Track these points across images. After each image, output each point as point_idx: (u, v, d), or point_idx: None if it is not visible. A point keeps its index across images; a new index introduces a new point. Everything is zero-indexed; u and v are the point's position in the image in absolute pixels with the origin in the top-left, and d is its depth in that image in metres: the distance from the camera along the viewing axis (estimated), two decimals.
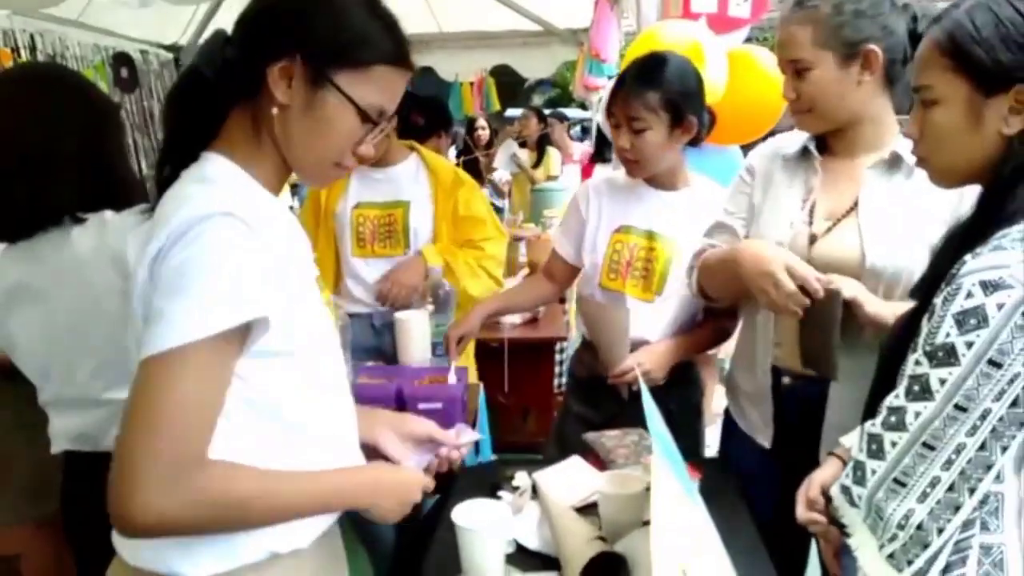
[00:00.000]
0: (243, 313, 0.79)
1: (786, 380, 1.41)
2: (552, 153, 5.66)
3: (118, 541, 0.89)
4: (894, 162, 1.31)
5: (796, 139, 1.45)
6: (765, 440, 1.47)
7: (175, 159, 0.91)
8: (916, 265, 1.20)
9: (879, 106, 1.34)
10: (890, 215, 1.29)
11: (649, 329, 1.68)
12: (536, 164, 5.63)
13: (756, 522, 1.31)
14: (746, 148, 3.20)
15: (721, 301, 1.56)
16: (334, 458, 0.96)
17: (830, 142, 1.40)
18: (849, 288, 1.21)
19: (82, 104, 1.30)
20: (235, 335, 0.81)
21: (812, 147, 1.41)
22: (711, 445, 3.17)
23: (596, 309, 1.70)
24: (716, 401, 3.73)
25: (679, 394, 1.72)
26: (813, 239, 1.35)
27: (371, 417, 1.10)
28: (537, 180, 5.50)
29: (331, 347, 0.98)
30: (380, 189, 2.12)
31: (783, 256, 1.26)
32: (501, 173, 5.56)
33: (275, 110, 0.89)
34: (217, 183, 0.87)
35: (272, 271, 0.84)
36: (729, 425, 1.60)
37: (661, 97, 1.59)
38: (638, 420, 1.47)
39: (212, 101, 0.91)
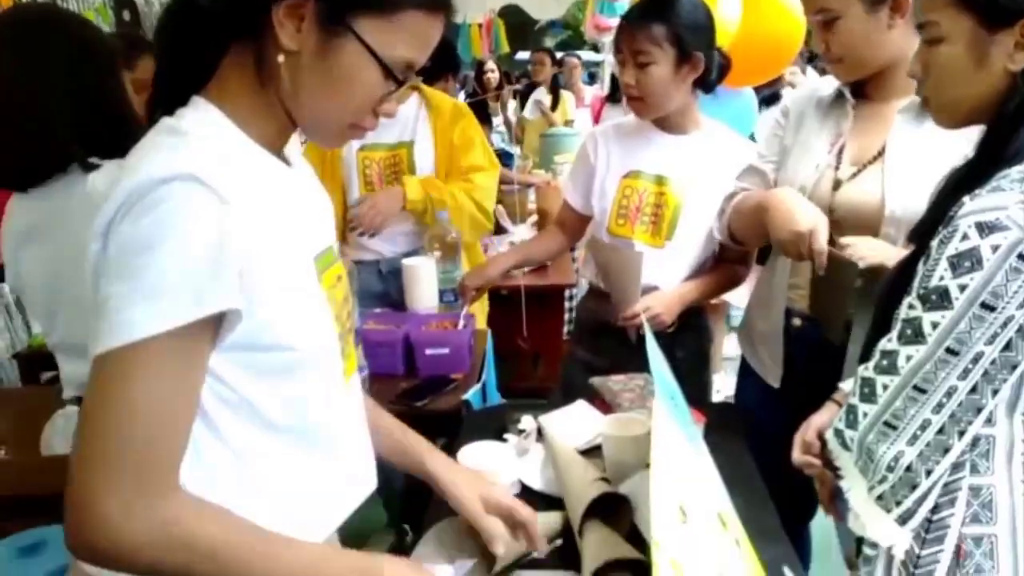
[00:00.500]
0: (209, 303, 0.67)
1: (796, 322, 1.43)
2: (567, 97, 5.56)
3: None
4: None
5: (832, 82, 1.43)
6: (774, 380, 1.49)
7: (164, 101, 0.78)
8: None
9: (914, 47, 1.31)
10: (916, 161, 1.26)
11: (661, 275, 1.67)
12: (552, 108, 5.54)
13: (763, 463, 1.33)
14: (758, 90, 3.16)
15: (750, 245, 1.57)
16: (329, 468, 0.86)
17: (865, 86, 1.37)
18: (871, 258, 1.18)
19: (65, 43, 1.27)
20: (204, 327, 0.68)
21: (846, 91, 1.39)
22: (720, 390, 3.25)
23: (609, 252, 1.70)
24: (726, 348, 3.79)
25: (687, 341, 1.74)
26: (838, 184, 1.34)
27: (452, 471, 1.02)
28: (556, 124, 5.41)
29: (326, 336, 0.83)
30: (383, 130, 2.05)
31: (814, 220, 1.23)
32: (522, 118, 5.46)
33: (280, 57, 0.74)
34: (190, 136, 0.72)
35: (248, 248, 0.70)
36: (743, 365, 1.63)
37: (667, 30, 1.56)
38: (643, 366, 1.49)
39: (205, 36, 0.77)
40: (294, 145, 0.90)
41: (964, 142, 1.11)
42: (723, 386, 3.39)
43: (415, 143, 2.12)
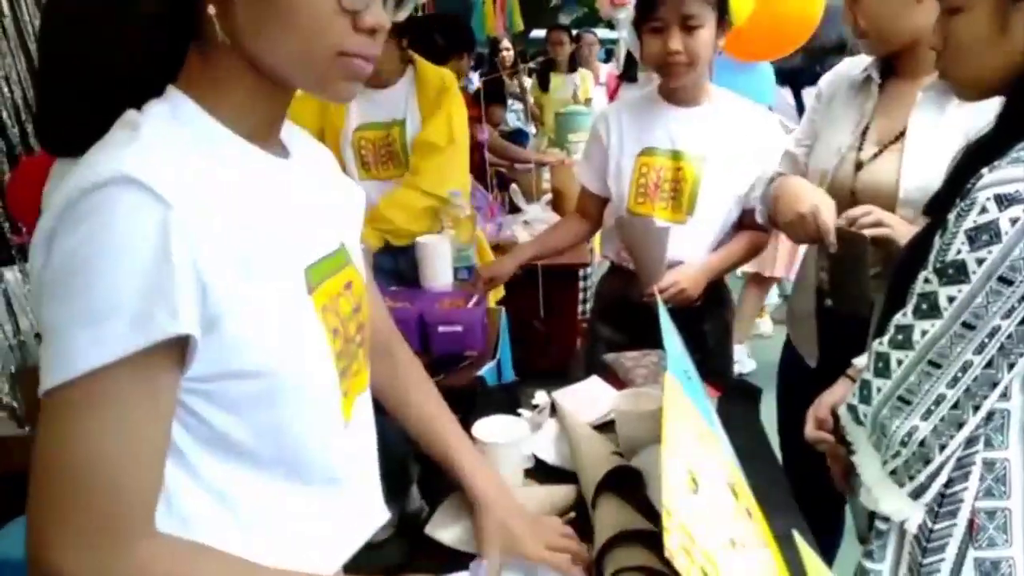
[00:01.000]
0: (157, 327, 0.58)
1: (829, 302, 1.43)
2: (587, 75, 5.52)
3: None
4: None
5: (862, 63, 1.43)
6: (811, 360, 1.51)
7: (131, 95, 0.67)
8: None
9: None
10: (937, 141, 1.25)
11: (685, 250, 1.67)
12: None
13: (800, 443, 1.31)
14: (776, 64, 3.12)
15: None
16: (329, 504, 0.78)
17: (895, 64, 1.37)
18: (880, 227, 1.19)
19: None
20: (161, 353, 0.60)
21: (874, 72, 1.39)
22: (739, 361, 3.30)
23: (635, 227, 1.70)
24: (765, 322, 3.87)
25: (713, 315, 1.76)
26: (860, 165, 1.34)
27: (493, 496, 0.98)
28: (580, 103, 5.36)
29: (315, 357, 0.72)
30: (378, 110, 2.05)
31: (816, 200, 1.25)
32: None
33: (211, 8, 0.64)
34: (142, 131, 0.63)
35: (206, 258, 0.60)
36: (788, 344, 1.66)
37: None
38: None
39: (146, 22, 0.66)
40: (298, 134, 0.83)
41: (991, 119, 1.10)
42: (740, 357, 3.42)
43: (407, 121, 2.06)
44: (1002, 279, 0.81)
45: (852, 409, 0.94)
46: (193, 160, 0.63)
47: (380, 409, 0.94)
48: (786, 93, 3.49)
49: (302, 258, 0.72)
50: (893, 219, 1.20)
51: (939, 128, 1.26)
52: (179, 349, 0.61)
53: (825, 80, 1.54)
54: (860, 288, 1.23)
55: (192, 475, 0.67)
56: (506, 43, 5.88)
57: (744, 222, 1.72)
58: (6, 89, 1.99)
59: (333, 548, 0.81)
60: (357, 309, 0.81)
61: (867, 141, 1.35)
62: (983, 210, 0.81)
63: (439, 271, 1.98)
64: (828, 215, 1.22)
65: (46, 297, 0.59)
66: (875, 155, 1.33)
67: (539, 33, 7.63)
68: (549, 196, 3.49)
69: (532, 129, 5.44)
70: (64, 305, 0.58)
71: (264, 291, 0.66)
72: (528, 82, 5.90)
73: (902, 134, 1.30)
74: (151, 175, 0.58)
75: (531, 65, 5.96)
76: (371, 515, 0.87)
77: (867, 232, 1.18)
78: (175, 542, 0.65)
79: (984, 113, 0.99)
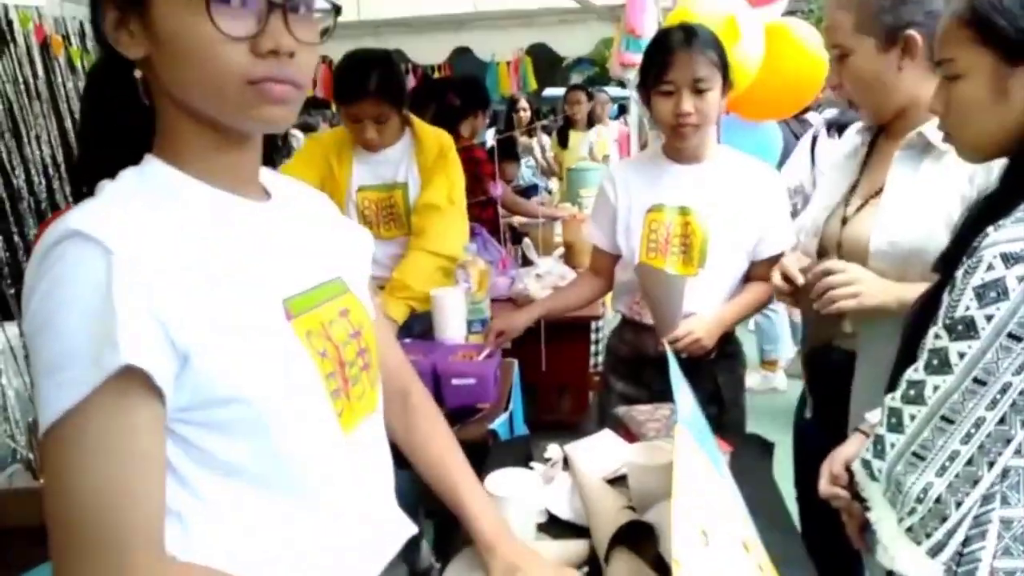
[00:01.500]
0: (107, 362, 0.60)
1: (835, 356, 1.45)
2: (604, 133, 5.63)
3: None
4: (926, 145, 1.30)
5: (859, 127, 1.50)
6: (808, 409, 1.53)
7: (101, 169, 0.74)
8: (932, 245, 1.21)
9: (928, 91, 1.34)
10: (910, 198, 1.29)
11: (698, 302, 1.69)
12: None
13: (811, 493, 1.30)
14: (781, 124, 3.17)
15: None
16: (340, 528, 0.80)
17: (887, 126, 1.41)
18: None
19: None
20: (127, 387, 0.62)
21: (863, 132, 1.45)
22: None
23: (652, 276, 1.71)
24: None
25: (725, 367, 1.77)
26: (845, 221, 1.39)
27: (503, 546, 0.97)
28: (597, 160, 5.46)
29: (298, 383, 0.74)
30: (378, 172, 2.10)
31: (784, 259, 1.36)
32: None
33: (137, 73, 0.72)
34: (104, 191, 0.69)
35: (163, 298, 0.64)
36: (801, 397, 1.67)
37: (717, 55, 1.63)
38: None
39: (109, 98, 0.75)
40: (286, 181, 0.87)
41: (961, 174, 1.14)
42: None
43: (409, 184, 2.09)
44: (1012, 336, 0.82)
45: (866, 464, 0.94)
46: (150, 211, 0.68)
47: (395, 461, 0.94)
48: (833, 144, 3.50)
49: (281, 289, 0.76)
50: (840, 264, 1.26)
51: (914, 185, 1.29)
52: (145, 380, 0.63)
53: (837, 147, 1.62)
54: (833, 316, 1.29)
55: (197, 498, 0.70)
56: (523, 103, 6.03)
57: (752, 274, 1.74)
58: (37, 149, 2.06)
59: (348, 567, 0.81)
60: (356, 334, 0.83)
61: (854, 196, 1.41)
62: (990, 267, 0.83)
63: (452, 323, 1.99)
64: (788, 262, 1.30)
65: (29, 352, 0.65)
66: (857, 210, 1.38)
67: (553, 91, 7.80)
68: (561, 250, 3.52)
69: (548, 183, 5.53)
70: (37, 358, 0.63)
71: (235, 323, 0.69)
72: (547, 139, 6.02)
73: (880, 190, 1.34)
74: (94, 226, 0.63)
75: (544, 123, 6.09)
76: (392, 533, 0.88)
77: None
78: (182, 567, 0.67)
79: (959, 169, 1.02)
